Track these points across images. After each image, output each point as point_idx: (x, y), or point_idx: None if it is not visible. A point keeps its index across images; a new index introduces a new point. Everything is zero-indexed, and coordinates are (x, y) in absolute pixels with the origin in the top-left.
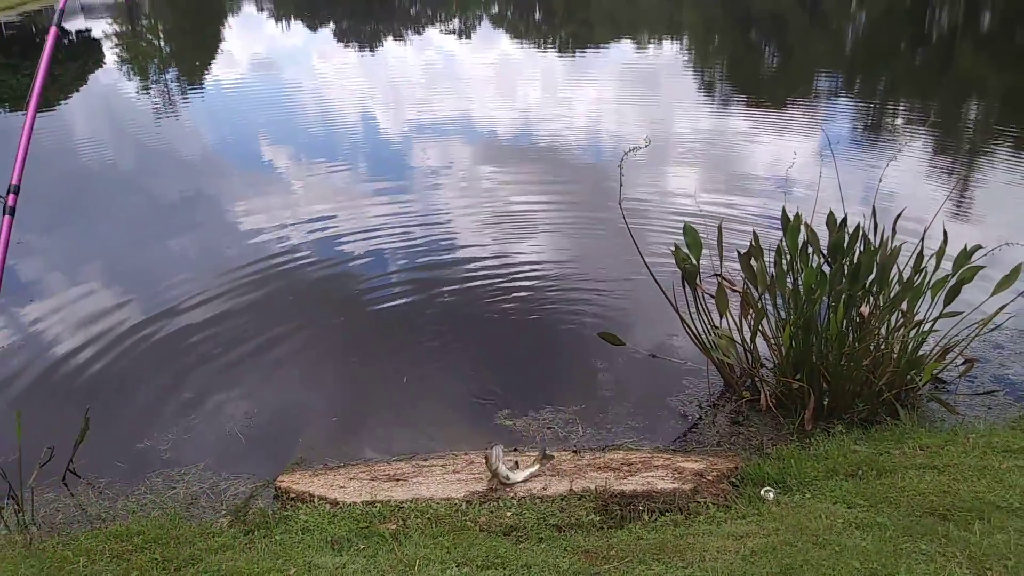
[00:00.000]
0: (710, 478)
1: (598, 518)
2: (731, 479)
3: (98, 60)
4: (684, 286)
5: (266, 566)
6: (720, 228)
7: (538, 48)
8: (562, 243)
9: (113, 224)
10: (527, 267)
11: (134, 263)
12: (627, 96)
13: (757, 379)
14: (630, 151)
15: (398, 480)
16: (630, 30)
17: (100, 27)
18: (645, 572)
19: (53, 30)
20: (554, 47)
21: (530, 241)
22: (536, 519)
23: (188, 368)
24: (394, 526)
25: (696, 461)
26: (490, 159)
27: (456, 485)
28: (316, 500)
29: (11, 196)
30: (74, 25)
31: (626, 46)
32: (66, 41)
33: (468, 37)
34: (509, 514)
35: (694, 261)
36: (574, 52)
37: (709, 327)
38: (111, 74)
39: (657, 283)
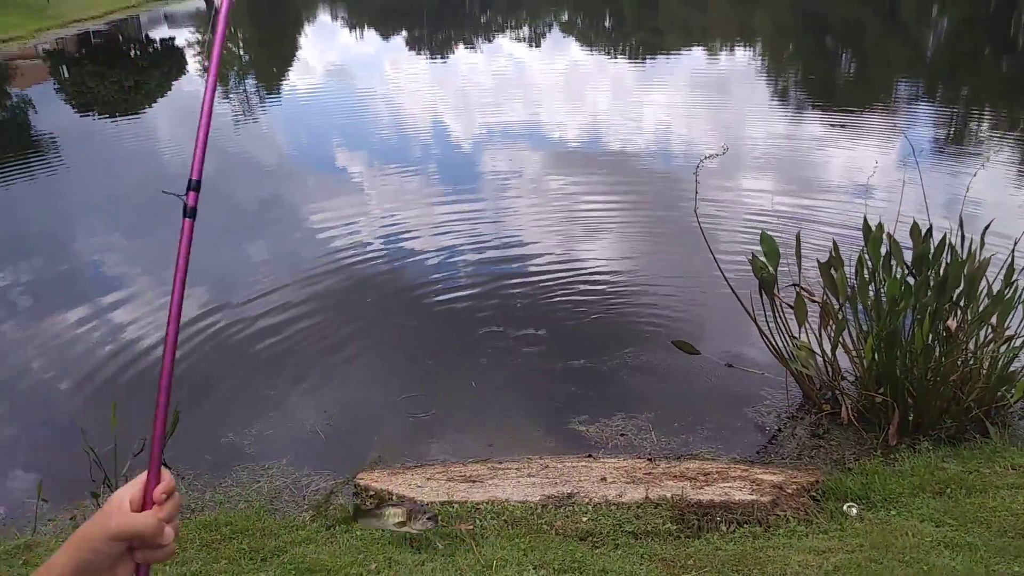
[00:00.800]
0: (790, 491)
1: (674, 527)
2: (812, 493)
3: (181, 68)
4: (761, 295)
5: (348, 560)
6: (798, 237)
7: (608, 55)
8: (634, 249)
9: (197, 226)
10: (599, 272)
11: (216, 265)
12: (699, 102)
13: (838, 392)
14: (707, 158)
15: (474, 481)
16: (701, 37)
17: (183, 36)
18: None
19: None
20: (624, 54)
21: (601, 247)
22: (612, 525)
23: (269, 366)
24: (471, 527)
25: (775, 473)
26: (560, 165)
27: (531, 488)
28: (395, 498)
29: (191, 195)
30: (158, 34)
31: (697, 53)
32: (150, 49)
33: (538, 45)
34: (585, 519)
35: (771, 270)
36: (644, 59)
37: (787, 338)
38: (193, 82)
39: (733, 292)
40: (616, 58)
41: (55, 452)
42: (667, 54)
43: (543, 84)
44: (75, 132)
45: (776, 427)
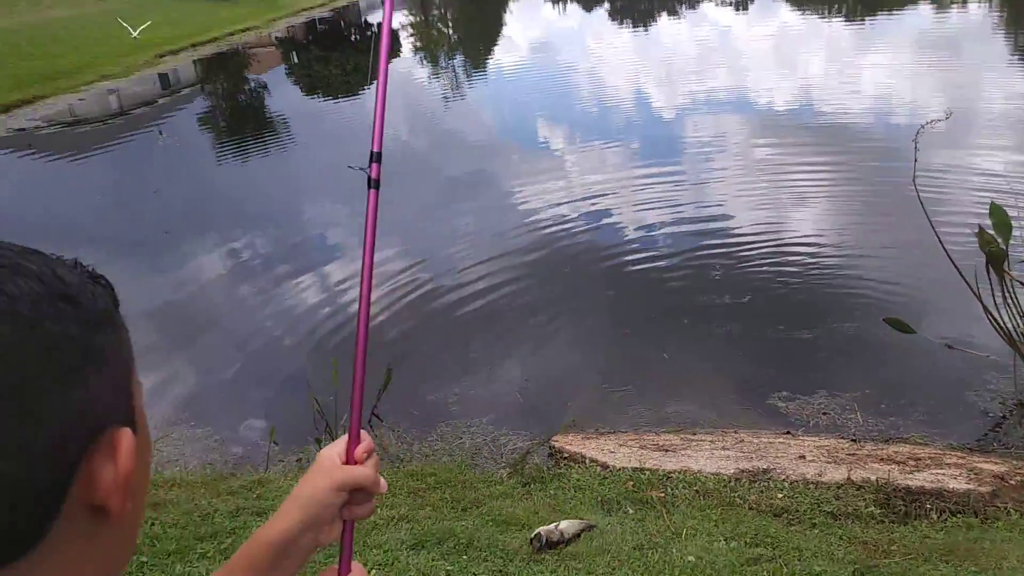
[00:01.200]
0: (1012, 482)
1: (878, 511)
2: None
3: (396, 49)
4: (988, 272)
5: (543, 516)
6: None
7: (822, 16)
8: (846, 219)
9: (406, 197)
10: (806, 243)
11: (425, 234)
12: (924, 64)
13: None
14: (927, 124)
15: (666, 451)
16: None
17: (398, 19)
18: (930, 572)
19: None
20: (840, 15)
21: (810, 216)
22: (810, 504)
23: (472, 331)
24: (662, 494)
25: (997, 463)
26: (767, 132)
27: (725, 462)
28: (588, 462)
29: (374, 167)
30: (375, 18)
31: (923, 9)
32: (368, 33)
33: (745, 8)
34: (780, 496)
35: (1001, 244)
36: (863, 19)
37: (1019, 318)
38: (406, 62)
39: (955, 267)
40: (831, 20)
41: (285, 402)
42: (889, 12)
43: (750, 50)
44: (302, 112)
45: (1001, 414)
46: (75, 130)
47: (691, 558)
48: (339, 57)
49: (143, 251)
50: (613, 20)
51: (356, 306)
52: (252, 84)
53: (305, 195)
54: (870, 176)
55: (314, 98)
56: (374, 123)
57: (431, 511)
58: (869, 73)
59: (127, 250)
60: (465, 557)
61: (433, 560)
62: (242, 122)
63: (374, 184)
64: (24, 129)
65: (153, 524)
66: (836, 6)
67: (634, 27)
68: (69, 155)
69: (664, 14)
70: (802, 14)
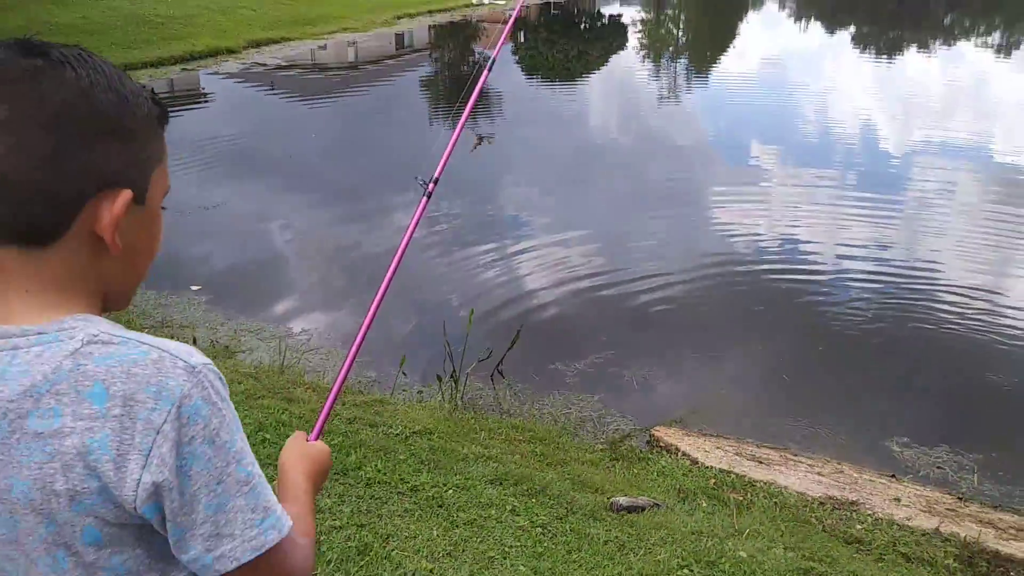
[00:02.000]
0: None
1: (956, 564)
2: None
3: (622, 43)
4: None
5: (619, 488)
6: None
7: None
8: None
9: (604, 192)
10: (979, 297)
11: (615, 229)
12: None
13: None
14: None
15: (760, 462)
16: None
17: (630, 13)
18: None
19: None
20: None
21: (998, 272)
22: (886, 542)
23: (612, 321)
24: (740, 497)
25: None
26: (997, 188)
27: (815, 485)
28: (679, 454)
29: (431, 185)
30: (609, 9)
31: None
32: (599, 24)
33: (1008, 55)
34: (859, 527)
35: None
36: None
37: None
38: (629, 56)
39: None
40: None
41: (421, 341)
42: None
43: (1004, 100)
44: (517, 91)
45: None
46: (310, 74)
47: (743, 554)
48: (565, 43)
49: (329, 189)
50: (856, 46)
51: (512, 273)
52: (477, 56)
53: (496, 172)
54: None
55: (533, 79)
56: (445, 156)
57: (519, 459)
58: None
59: (315, 185)
60: (534, 500)
61: (505, 495)
62: (459, 91)
63: (427, 194)
64: (267, 65)
65: (282, 413)
66: None
67: (877, 56)
68: (299, 96)
69: (914, 47)
70: None
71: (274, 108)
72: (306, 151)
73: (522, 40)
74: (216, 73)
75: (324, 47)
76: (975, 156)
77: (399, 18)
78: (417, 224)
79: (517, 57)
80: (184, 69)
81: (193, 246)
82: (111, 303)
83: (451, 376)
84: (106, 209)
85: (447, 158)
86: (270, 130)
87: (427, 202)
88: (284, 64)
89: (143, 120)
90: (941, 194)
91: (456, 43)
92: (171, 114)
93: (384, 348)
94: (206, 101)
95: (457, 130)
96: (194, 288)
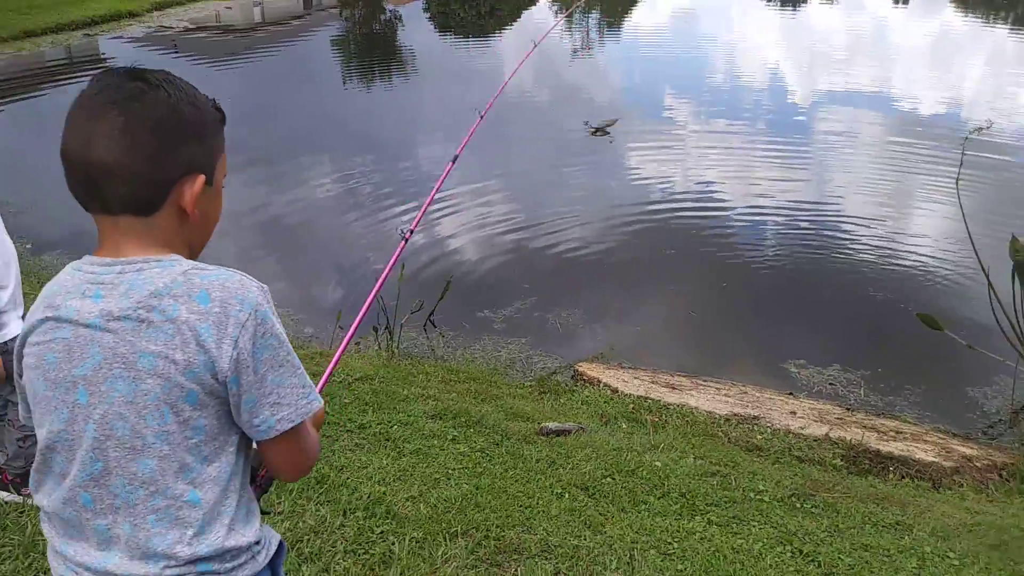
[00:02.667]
0: (979, 465)
1: (842, 463)
2: (1002, 472)
3: None
4: (1013, 279)
5: (547, 416)
6: None
7: (985, 21)
8: (910, 225)
9: (521, 145)
10: (862, 232)
11: (533, 180)
12: None
13: None
14: (973, 132)
15: (674, 388)
16: None
17: None
18: (858, 507)
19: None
20: (1006, 21)
21: (878, 207)
22: (782, 447)
23: (541, 269)
24: (656, 419)
25: (972, 448)
26: (893, 136)
27: (722, 405)
28: (601, 385)
29: (408, 233)
30: None
31: None
32: None
33: (905, 3)
34: (759, 437)
35: None
36: None
37: None
38: (543, 11)
39: (983, 268)
40: (994, 25)
41: (354, 295)
42: None
43: (902, 47)
44: (431, 48)
45: (997, 411)
46: (217, 36)
47: (658, 463)
48: (479, 2)
49: (254, 157)
50: None
51: (438, 229)
52: (388, 14)
53: (412, 127)
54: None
55: (447, 35)
56: (422, 209)
57: (456, 396)
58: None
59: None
60: (471, 430)
61: (445, 427)
62: (371, 50)
63: (404, 240)
64: (172, 28)
65: None
66: (1003, 12)
67: (783, 6)
68: (206, 60)
69: None
70: (965, 15)
71: (180, 73)
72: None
73: None
74: (119, 38)
75: (230, 7)
76: (873, 101)
77: None
78: (393, 266)
79: (428, 14)
80: (87, 35)
81: None
82: (192, 254)
83: (386, 328)
84: (188, 189)
85: (423, 212)
86: None
87: (404, 245)
88: (190, 26)
89: (211, 123)
90: (835, 137)
91: (366, 1)
92: (70, 82)
93: (319, 306)
94: (105, 66)
95: (434, 189)
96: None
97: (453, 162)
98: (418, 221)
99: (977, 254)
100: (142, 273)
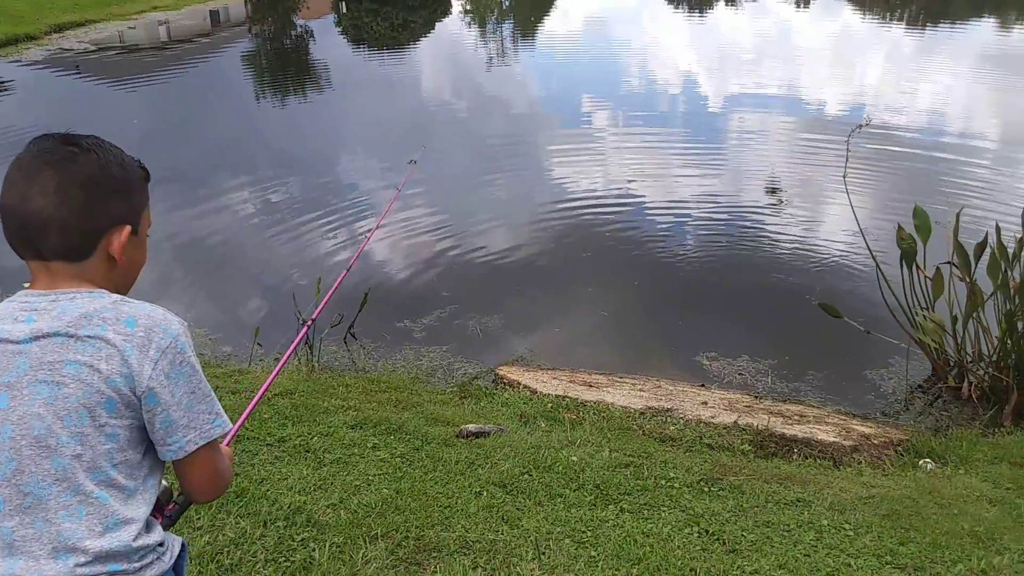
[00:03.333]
0: (876, 442)
1: (750, 448)
2: (898, 448)
3: (446, 9)
4: (901, 267)
5: (468, 420)
6: (958, 216)
7: (882, 21)
8: (809, 218)
9: (436, 154)
10: (764, 229)
11: (448, 190)
12: (982, 81)
13: (965, 368)
14: (855, 129)
15: (591, 386)
16: (994, 7)
17: None
18: (762, 487)
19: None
20: (901, 21)
21: (795, 211)
22: (694, 437)
23: (459, 277)
24: (573, 416)
25: (870, 427)
26: (794, 132)
27: (637, 399)
28: (521, 387)
29: (311, 320)
30: None
31: (986, 25)
32: None
33: (807, 5)
34: (672, 428)
35: (916, 242)
36: (924, 28)
37: (920, 310)
38: (455, 23)
39: (873, 258)
40: (890, 25)
41: (273, 314)
42: (952, 24)
43: (806, 48)
44: (345, 62)
45: (892, 391)
46: (121, 56)
47: (574, 458)
48: (389, 12)
49: (166, 176)
50: (671, 3)
51: (346, 246)
52: (299, 29)
53: (328, 141)
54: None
55: (360, 49)
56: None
57: (376, 406)
58: (927, 85)
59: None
60: (392, 437)
61: (365, 436)
62: (284, 65)
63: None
64: (73, 50)
65: None
66: (897, 13)
67: (690, 12)
68: (111, 80)
69: (723, 1)
70: (863, 17)
71: (85, 94)
72: (122, 139)
73: (344, 10)
74: (17, 61)
75: (133, 27)
76: (776, 101)
77: None
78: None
79: (340, 28)
80: None
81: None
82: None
83: (306, 343)
84: (116, 238)
85: (326, 302)
86: (78, 117)
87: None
88: (92, 48)
89: (135, 181)
90: (739, 136)
91: (275, 16)
92: None
93: (236, 323)
94: (4, 91)
95: (337, 281)
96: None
97: (372, 232)
98: (320, 310)
99: (867, 243)
100: (74, 301)
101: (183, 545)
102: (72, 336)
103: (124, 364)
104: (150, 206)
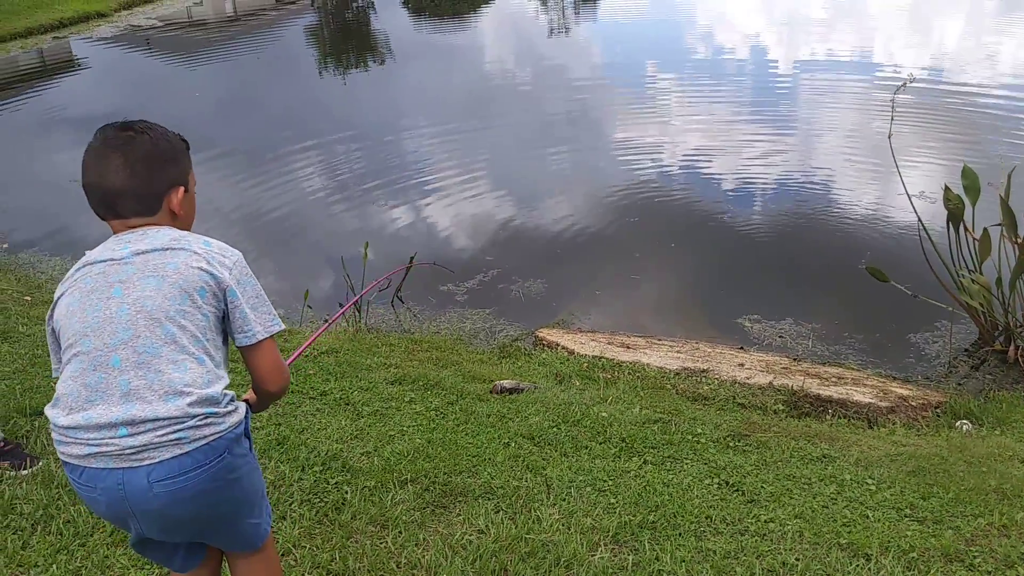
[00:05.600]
0: (914, 404)
1: (783, 408)
2: (936, 409)
3: None
4: (948, 228)
5: (504, 378)
6: (1010, 176)
7: None
8: (856, 181)
9: (505, 129)
10: (812, 193)
11: (520, 165)
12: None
13: (1012, 332)
14: (900, 87)
15: (629, 348)
16: None
17: None
18: (790, 444)
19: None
20: None
21: (826, 169)
22: (727, 396)
23: (502, 242)
24: (608, 376)
25: (909, 389)
26: (845, 98)
27: (673, 361)
28: (559, 348)
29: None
30: None
31: None
32: None
33: None
34: (706, 388)
35: (964, 203)
36: None
37: (966, 271)
38: None
39: (919, 219)
40: None
41: (322, 275)
42: None
43: (881, 13)
44: (406, 34)
45: (936, 355)
46: (188, 32)
47: (604, 414)
48: None
49: (227, 150)
50: None
51: (401, 208)
52: (360, 2)
53: (390, 114)
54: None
55: (421, 20)
56: (306, 344)
57: (417, 364)
58: (1006, 46)
59: (207, 144)
60: (429, 392)
61: (404, 390)
62: (346, 38)
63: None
64: (142, 26)
65: None
66: None
67: None
68: (180, 55)
69: None
70: None
71: (154, 69)
72: (189, 112)
73: None
74: (89, 39)
75: (200, 3)
76: (833, 66)
77: None
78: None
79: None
80: (56, 38)
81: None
82: None
83: (354, 305)
84: (175, 197)
85: (308, 345)
86: (151, 93)
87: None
88: (160, 24)
89: (180, 151)
90: (790, 101)
91: None
92: (46, 87)
93: (288, 287)
94: (80, 68)
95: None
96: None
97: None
98: (299, 354)
99: (912, 204)
100: (160, 231)
101: (248, 407)
102: (167, 249)
103: (210, 265)
104: (193, 170)
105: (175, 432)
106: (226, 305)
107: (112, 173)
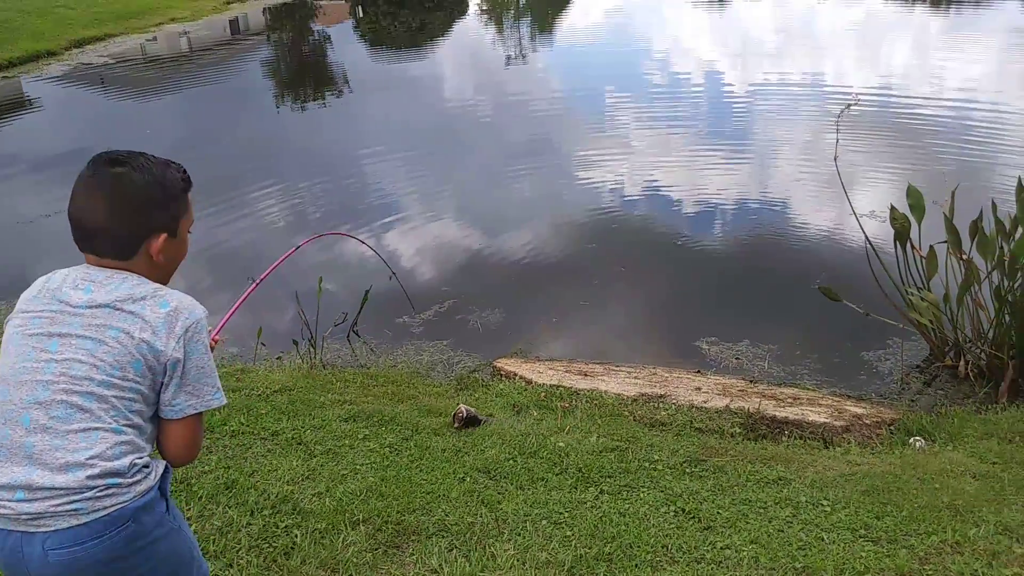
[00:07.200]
0: (868, 422)
1: (740, 431)
2: (890, 427)
3: (463, 10)
4: (896, 246)
5: (473, 407)
6: (953, 194)
7: (906, 3)
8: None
9: (464, 157)
10: (766, 215)
11: (479, 193)
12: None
13: (962, 347)
14: (844, 109)
15: (586, 375)
16: None
17: None
18: (746, 467)
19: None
20: (924, 3)
21: (776, 190)
22: (684, 421)
23: (457, 272)
24: (566, 404)
25: (863, 407)
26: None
27: (630, 386)
28: (516, 378)
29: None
30: None
31: (1013, 5)
32: None
33: None
34: (663, 413)
35: (909, 222)
36: (948, 9)
37: (915, 289)
38: (473, 23)
39: (867, 239)
40: (913, 7)
41: (276, 311)
42: (975, 5)
43: (830, 36)
44: (363, 66)
45: (889, 372)
46: (143, 69)
47: (561, 444)
48: (406, 15)
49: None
50: None
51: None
52: (316, 36)
53: (349, 146)
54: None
55: (379, 51)
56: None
57: (372, 399)
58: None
59: None
60: (384, 428)
61: (358, 427)
62: (303, 72)
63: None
64: (93, 64)
65: None
66: None
67: (710, 4)
68: (133, 92)
69: None
70: (885, 2)
71: (110, 108)
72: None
73: (360, 15)
74: (40, 78)
75: (154, 39)
76: (788, 90)
77: (229, 3)
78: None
79: (359, 32)
80: (5, 78)
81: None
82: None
83: (309, 340)
84: (155, 243)
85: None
86: (103, 130)
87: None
88: (112, 61)
89: (174, 194)
90: (755, 130)
91: (293, 24)
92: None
93: (242, 326)
94: (32, 108)
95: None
96: None
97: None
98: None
99: (860, 224)
100: (124, 281)
101: (167, 467)
102: (118, 310)
103: (155, 335)
104: (192, 211)
105: (71, 503)
106: (164, 376)
107: (92, 211)
